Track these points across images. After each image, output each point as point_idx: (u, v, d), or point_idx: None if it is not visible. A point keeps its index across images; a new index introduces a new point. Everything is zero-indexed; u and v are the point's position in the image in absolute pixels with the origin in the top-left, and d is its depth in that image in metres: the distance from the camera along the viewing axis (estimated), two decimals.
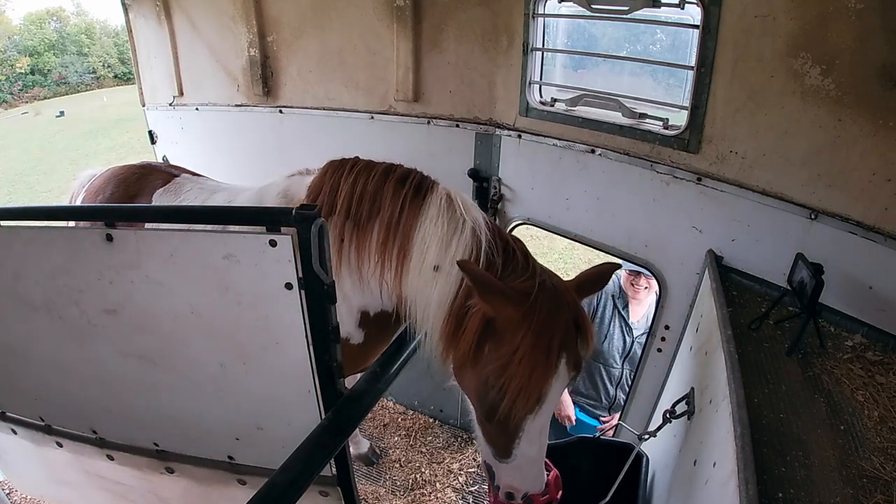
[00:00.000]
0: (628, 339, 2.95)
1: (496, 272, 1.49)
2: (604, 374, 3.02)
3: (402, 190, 1.66)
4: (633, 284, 2.93)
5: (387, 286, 1.71)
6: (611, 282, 3.00)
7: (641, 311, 2.97)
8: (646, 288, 2.90)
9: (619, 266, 1.71)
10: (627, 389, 2.93)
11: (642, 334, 2.90)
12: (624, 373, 2.99)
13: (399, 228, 1.64)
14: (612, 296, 2.99)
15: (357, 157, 1.82)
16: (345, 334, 1.82)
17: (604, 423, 3.01)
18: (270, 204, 1.94)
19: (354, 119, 2.96)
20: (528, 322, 1.36)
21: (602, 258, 2.83)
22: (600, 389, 3.04)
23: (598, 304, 3.00)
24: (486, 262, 1.51)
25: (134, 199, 2.27)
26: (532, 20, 2.34)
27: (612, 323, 2.97)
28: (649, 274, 2.59)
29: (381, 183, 1.69)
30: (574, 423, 3.04)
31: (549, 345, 1.36)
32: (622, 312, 2.96)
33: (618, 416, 2.98)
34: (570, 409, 3.06)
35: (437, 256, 1.56)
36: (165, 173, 2.36)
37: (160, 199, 2.24)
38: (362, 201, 1.69)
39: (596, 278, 1.57)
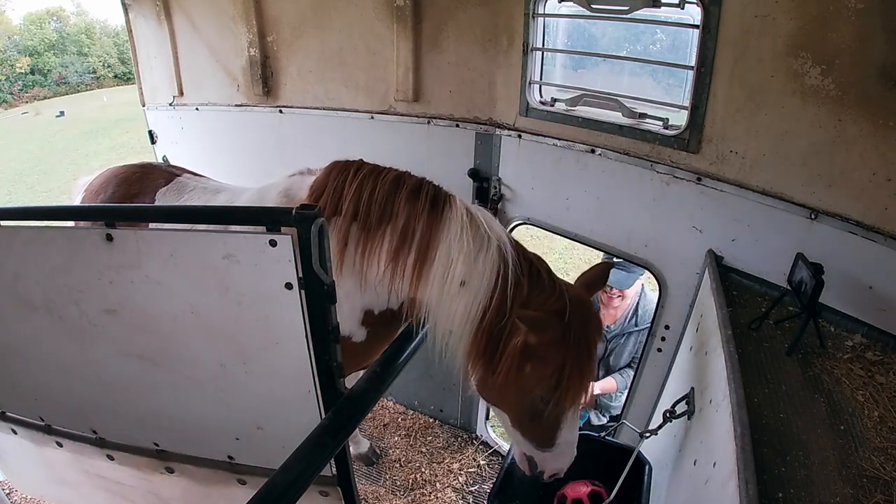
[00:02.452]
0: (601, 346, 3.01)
1: (523, 290, 1.57)
2: None
3: (417, 201, 1.66)
4: (606, 293, 2.99)
5: (396, 292, 1.72)
6: None
7: (613, 315, 3.03)
8: (619, 297, 2.98)
9: (614, 264, 1.84)
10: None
11: (614, 337, 3.03)
12: (599, 374, 3.08)
13: (415, 239, 1.64)
14: None
15: (362, 160, 1.81)
16: (347, 332, 1.82)
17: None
18: (271, 203, 1.94)
19: (354, 119, 2.96)
20: (568, 339, 1.51)
21: (602, 258, 2.83)
22: None
23: None
24: (514, 280, 1.57)
25: (135, 198, 2.26)
26: (532, 20, 2.34)
27: None
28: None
29: (393, 191, 1.69)
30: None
31: (589, 352, 1.57)
32: None
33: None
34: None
35: (464, 272, 1.58)
36: (167, 173, 2.36)
37: (163, 198, 2.24)
38: (371, 206, 1.68)
39: (597, 278, 1.73)
